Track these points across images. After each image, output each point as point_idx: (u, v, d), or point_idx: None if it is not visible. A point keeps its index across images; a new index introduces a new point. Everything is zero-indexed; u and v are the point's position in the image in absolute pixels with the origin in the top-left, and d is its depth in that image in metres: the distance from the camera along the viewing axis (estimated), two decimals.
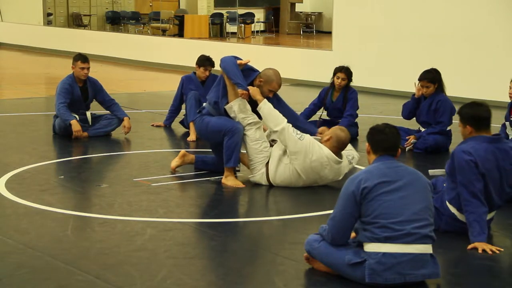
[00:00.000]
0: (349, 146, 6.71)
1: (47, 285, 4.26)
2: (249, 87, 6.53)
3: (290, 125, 6.47)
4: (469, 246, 4.92)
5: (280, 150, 6.55)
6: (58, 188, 6.45)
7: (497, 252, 4.87)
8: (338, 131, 6.53)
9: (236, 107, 6.58)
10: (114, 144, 8.46)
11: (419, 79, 8.13)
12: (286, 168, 6.49)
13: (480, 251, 4.86)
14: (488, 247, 4.88)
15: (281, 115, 6.51)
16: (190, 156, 7.02)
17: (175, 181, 6.72)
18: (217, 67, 9.45)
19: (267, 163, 6.57)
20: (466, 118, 5.11)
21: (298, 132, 6.47)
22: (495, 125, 9.27)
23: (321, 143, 6.50)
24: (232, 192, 6.44)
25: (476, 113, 5.08)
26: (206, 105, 6.80)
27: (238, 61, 6.60)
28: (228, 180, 6.61)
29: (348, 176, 4.78)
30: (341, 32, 14.28)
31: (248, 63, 6.66)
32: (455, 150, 5.06)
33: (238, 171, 6.87)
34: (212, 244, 5.03)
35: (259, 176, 6.61)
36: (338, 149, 6.51)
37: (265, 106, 6.49)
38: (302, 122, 7.02)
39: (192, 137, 8.61)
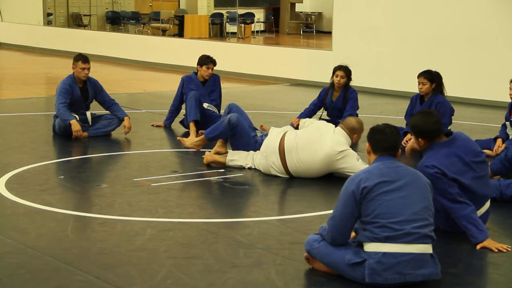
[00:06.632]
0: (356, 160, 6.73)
1: (47, 285, 4.26)
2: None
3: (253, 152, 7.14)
4: (478, 246, 4.92)
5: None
6: (58, 188, 6.44)
7: (505, 251, 4.87)
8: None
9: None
10: (114, 144, 8.46)
11: (418, 76, 8.19)
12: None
13: (495, 250, 4.86)
14: (497, 245, 4.89)
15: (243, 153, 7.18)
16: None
17: (175, 181, 6.71)
18: (218, 67, 9.52)
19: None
20: (417, 132, 5.07)
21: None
22: (495, 125, 9.30)
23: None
24: (232, 192, 6.44)
25: (425, 126, 5.02)
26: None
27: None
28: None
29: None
30: (341, 32, 14.27)
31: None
32: (418, 168, 4.98)
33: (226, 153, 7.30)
34: (212, 244, 5.02)
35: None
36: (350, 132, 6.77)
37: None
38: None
39: (192, 137, 8.60)
